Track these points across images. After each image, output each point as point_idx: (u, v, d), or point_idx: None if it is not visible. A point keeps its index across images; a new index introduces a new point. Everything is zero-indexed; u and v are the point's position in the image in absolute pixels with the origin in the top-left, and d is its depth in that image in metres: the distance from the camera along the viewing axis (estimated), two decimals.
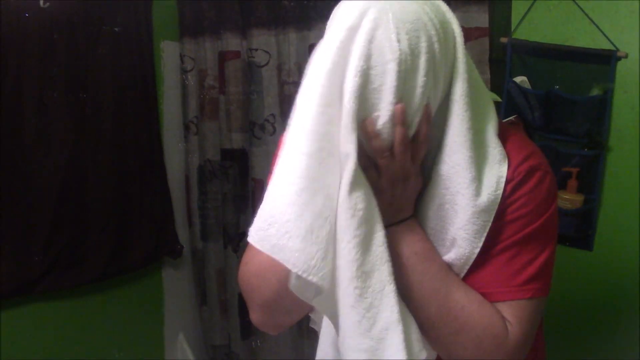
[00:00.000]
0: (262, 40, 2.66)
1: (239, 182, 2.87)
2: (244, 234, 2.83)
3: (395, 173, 0.92)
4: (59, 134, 2.40)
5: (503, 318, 0.93)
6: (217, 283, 3.00)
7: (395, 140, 0.88)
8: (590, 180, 2.07)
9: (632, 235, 2.07)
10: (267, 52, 2.65)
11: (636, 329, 2.08)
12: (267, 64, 2.66)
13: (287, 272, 0.92)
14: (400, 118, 0.86)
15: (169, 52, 2.91)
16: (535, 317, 0.97)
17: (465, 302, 0.93)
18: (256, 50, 2.68)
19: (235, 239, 2.89)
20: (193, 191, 3.02)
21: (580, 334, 2.21)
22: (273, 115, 2.68)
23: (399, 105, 0.86)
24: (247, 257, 1.15)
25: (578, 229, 2.11)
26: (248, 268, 1.12)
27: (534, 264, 0.95)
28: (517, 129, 1.09)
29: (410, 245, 0.95)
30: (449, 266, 0.96)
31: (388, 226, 0.94)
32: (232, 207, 2.90)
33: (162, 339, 2.97)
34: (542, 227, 0.96)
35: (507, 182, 0.95)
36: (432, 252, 0.96)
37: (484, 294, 0.95)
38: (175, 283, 3.04)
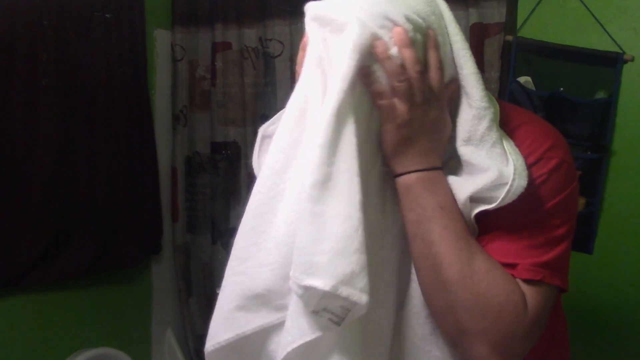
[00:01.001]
0: (277, 30, 2.65)
1: (230, 176, 2.85)
2: (234, 229, 2.82)
3: (415, 97, 0.86)
4: (48, 123, 2.35)
5: (522, 289, 0.88)
6: (204, 276, 2.98)
7: (405, 63, 0.85)
8: (592, 184, 2.08)
9: (633, 239, 2.08)
10: (281, 42, 2.64)
11: (636, 333, 2.10)
12: (280, 54, 2.65)
13: None
14: (403, 40, 0.84)
15: (162, 41, 2.88)
16: (548, 304, 0.92)
17: (489, 266, 0.87)
18: (270, 40, 2.66)
19: (225, 234, 2.87)
20: (180, 184, 3.00)
21: (579, 338, 2.23)
22: None
23: (398, 28, 0.83)
24: None
25: (578, 232, 2.12)
26: None
27: (551, 251, 0.91)
28: (537, 118, 1.04)
29: (438, 197, 0.88)
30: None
31: (415, 171, 0.89)
32: (221, 201, 2.88)
33: (149, 334, 2.95)
34: (557, 207, 0.92)
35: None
36: (458, 209, 0.89)
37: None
38: (164, 278, 3.01)
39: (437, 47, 0.88)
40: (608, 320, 2.17)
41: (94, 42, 2.50)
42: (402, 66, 0.85)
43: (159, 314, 2.99)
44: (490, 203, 0.87)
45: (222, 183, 2.87)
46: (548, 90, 2.09)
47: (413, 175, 0.89)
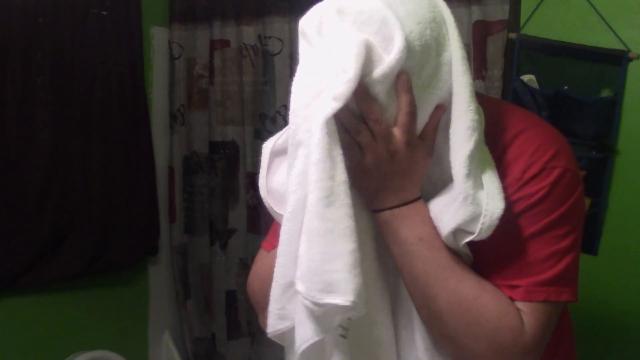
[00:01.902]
0: (276, 27, 2.65)
1: (229, 176, 2.85)
2: (234, 230, 2.82)
3: (378, 149, 0.87)
4: (43, 122, 2.35)
5: (518, 309, 0.88)
6: (202, 278, 2.98)
7: (365, 117, 0.86)
8: (597, 184, 2.07)
9: (639, 240, 2.08)
10: (280, 39, 2.64)
11: None
12: (279, 52, 2.65)
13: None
14: (362, 93, 0.84)
15: (159, 39, 2.88)
16: (552, 320, 0.92)
17: (478, 292, 0.87)
18: (269, 37, 2.66)
19: (224, 235, 2.87)
20: (177, 184, 3.00)
21: (584, 340, 2.22)
22: (285, 106, 2.65)
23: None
24: (256, 259, 1.19)
25: (583, 233, 2.11)
26: (254, 271, 1.16)
27: (557, 264, 0.90)
28: (539, 122, 1.03)
29: (415, 230, 0.90)
30: (458, 255, 0.91)
31: (388, 208, 0.91)
32: (220, 202, 2.88)
33: (146, 336, 2.94)
34: (561, 218, 0.91)
35: (517, 181, 0.91)
36: (439, 238, 0.90)
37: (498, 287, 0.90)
38: (161, 279, 3.01)
39: (409, 90, 0.86)
40: (613, 322, 2.16)
41: (90, 39, 2.49)
42: (363, 118, 0.86)
43: (156, 317, 2.98)
44: (472, 233, 0.87)
45: (220, 183, 2.87)
46: (552, 89, 2.08)
47: (387, 213, 0.91)
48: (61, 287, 2.52)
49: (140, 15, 2.70)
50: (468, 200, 0.85)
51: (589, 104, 2.03)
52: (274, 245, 1.07)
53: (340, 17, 0.86)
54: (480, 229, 0.85)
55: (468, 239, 0.87)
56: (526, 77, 2.12)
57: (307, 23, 0.91)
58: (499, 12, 2.14)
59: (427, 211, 0.92)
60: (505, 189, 0.89)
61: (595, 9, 2.04)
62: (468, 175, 0.85)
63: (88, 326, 2.66)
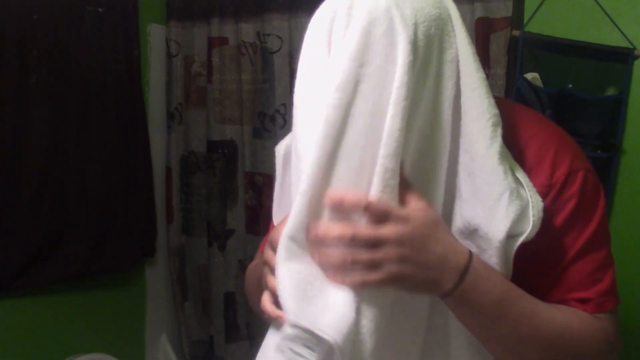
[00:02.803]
0: (276, 25, 2.65)
1: (227, 175, 2.85)
2: (232, 231, 2.82)
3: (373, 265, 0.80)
4: (39, 121, 2.35)
5: (599, 320, 0.91)
6: (200, 279, 2.98)
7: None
8: (602, 183, 2.07)
9: None
10: (279, 37, 2.64)
11: None
12: (279, 50, 2.65)
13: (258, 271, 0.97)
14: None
15: (156, 36, 2.88)
16: (619, 322, 0.96)
17: (566, 323, 0.89)
18: (269, 35, 2.66)
19: (222, 236, 2.87)
20: (175, 184, 3.00)
21: None
22: (284, 105, 2.65)
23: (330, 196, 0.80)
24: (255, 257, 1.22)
25: None
26: (250, 267, 1.18)
27: (608, 270, 0.93)
28: (548, 123, 1.03)
29: (490, 295, 0.84)
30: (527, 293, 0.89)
31: (450, 291, 0.83)
32: (218, 202, 2.88)
33: (143, 339, 2.94)
34: (600, 226, 0.93)
35: (548, 187, 0.91)
36: (514, 285, 0.87)
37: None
38: (159, 281, 3.01)
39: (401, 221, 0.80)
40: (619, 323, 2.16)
41: (86, 37, 2.49)
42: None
43: (153, 319, 2.98)
44: (522, 232, 0.85)
45: (218, 183, 2.87)
46: (556, 87, 2.08)
47: (452, 297, 0.84)
48: (57, 289, 2.52)
49: (137, 13, 2.70)
50: (514, 195, 0.84)
51: (593, 103, 2.03)
52: None
53: (348, 19, 0.84)
54: (533, 223, 0.84)
55: (521, 239, 0.85)
56: (530, 76, 2.12)
57: (319, 23, 0.88)
58: (502, 9, 2.15)
59: (487, 264, 0.86)
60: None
61: (601, 6, 2.04)
62: (505, 171, 0.84)
63: (84, 329, 2.66)
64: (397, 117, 0.78)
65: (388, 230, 0.79)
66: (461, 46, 0.88)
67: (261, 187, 2.75)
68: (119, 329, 2.82)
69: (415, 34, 0.82)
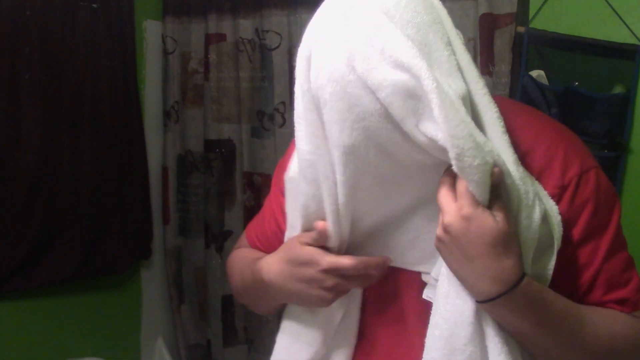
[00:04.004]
0: (274, 21, 2.64)
1: (225, 175, 2.85)
2: (229, 233, 2.82)
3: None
4: (31, 120, 2.35)
5: (634, 317, 0.94)
6: (197, 282, 2.98)
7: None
8: None
9: None
10: (278, 34, 2.63)
11: None
12: (278, 46, 2.64)
13: (247, 274, 1.06)
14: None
15: (152, 33, 2.88)
16: None
17: (610, 330, 0.90)
18: (267, 31, 2.66)
19: (220, 238, 2.87)
20: (171, 184, 3.00)
21: None
22: (283, 103, 2.65)
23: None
24: (237, 252, 1.28)
25: None
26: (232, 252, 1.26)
27: (633, 266, 0.95)
28: (555, 125, 1.03)
29: (522, 321, 0.84)
30: (569, 304, 0.89)
31: (486, 301, 0.83)
32: (216, 202, 2.88)
33: (138, 343, 2.94)
34: (619, 224, 0.94)
35: (561, 189, 0.91)
36: (557, 313, 0.86)
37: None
38: (154, 284, 3.01)
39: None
40: None
41: (80, 33, 2.49)
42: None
43: (149, 322, 2.98)
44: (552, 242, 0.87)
45: (216, 183, 2.87)
46: (562, 85, 2.07)
47: (485, 305, 0.85)
48: (50, 291, 2.52)
49: (133, 9, 2.70)
50: (537, 199, 0.84)
51: (600, 101, 2.03)
52: (259, 240, 1.17)
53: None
54: (558, 233, 0.86)
55: (555, 249, 0.87)
56: (535, 73, 2.12)
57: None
58: (507, 4, 2.14)
59: (540, 290, 0.85)
60: (550, 197, 0.90)
61: (607, 2, 2.04)
62: (522, 177, 0.84)
63: (78, 333, 2.66)
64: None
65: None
66: (460, 54, 0.87)
67: (260, 187, 2.75)
68: (114, 332, 2.82)
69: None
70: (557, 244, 0.86)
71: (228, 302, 2.89)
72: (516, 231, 0.82)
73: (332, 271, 0.91)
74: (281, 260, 0.98)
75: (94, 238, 2.58)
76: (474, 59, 2.19)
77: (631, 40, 2.02)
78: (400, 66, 0.76)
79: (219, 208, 2.88)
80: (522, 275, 0.81)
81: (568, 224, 0.89)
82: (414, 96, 0.76)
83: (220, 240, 2.87)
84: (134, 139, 2.74)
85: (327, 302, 0.95)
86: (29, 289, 2.42)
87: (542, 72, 2.12)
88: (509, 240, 0.80)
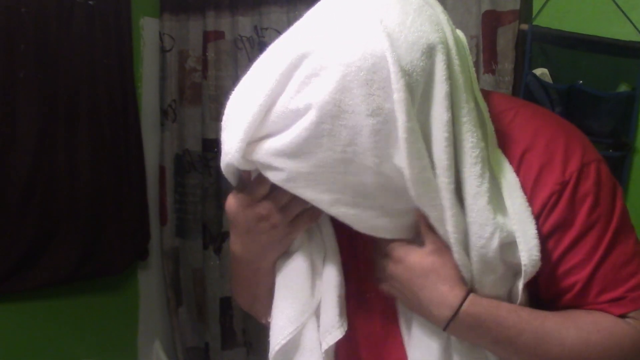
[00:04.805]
0: (274, 18, 2.64)
1: (223, 175, 2.83)
2: (228, 234, 2.81)
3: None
4: (26, 119, 2.35)
5: (625, 322, 0.91)
6: (194, 283, 2.98)
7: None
8: None
9: None
10: (278, 31, 2.63)
11: None
12: None
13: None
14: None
15: (149, 30, 2.88)
16: None
17: (584, 337, 0.90)
18: (267, 29, 2.66)
19: (218, 239, 2.87)
20: (168, 184, 2.99)
21: None
22: None
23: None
24: None
25: None
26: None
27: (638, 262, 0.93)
28: (554, 119, 1.03)
29: (479, 339, 0.91)
30: (530, 316, 0.91)
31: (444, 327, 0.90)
32: (214, 203, 2.88)
33: (135, 346, 2.94)
34: (622, 217, 0.93)
35: (562, 184, 0.90)
36: (515, 326, 0.89)
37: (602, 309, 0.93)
38: (152, 285, 3.01)
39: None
40: None
41: (76, 31, 2.49)
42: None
43: (146, 325, 2.98)
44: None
45: (214, 183, 2.87)
46: (566, 83, 2.07)
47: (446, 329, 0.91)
48: (45, 294, 2.52)
49: (129, 5, 2.70)
50: (497, 231, 0.86)
51: (605, 100, 2.03)
52: None
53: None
54: (529, 257, 0.86)
55: (522, 280, 0.88)
56: (539, 71, 2.11)
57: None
58: (510, 1, 2.15)
59: (486, 307, 0.89)
60: (550, 195, 0.90)
61: None
62: (495, 210, 0.87)
63: (74, 335, 2.66)
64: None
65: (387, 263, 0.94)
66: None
67: None
68: (111, 335, 2.82)
69: (410, 68, 0.81)
70: (524, 269, 0.87)
71: (226, 304, 2.89)
72: (449, 258, 0.88)
73: (269, 201, 0.95)
74: (233, 226, 1.03)
75: (90, 239, 2.58)
76: (477, 57, 2.20)
77: (636, 38, 2.02)
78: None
79: (217, 208, 2.87)
80: (465, 296, 0.88)
81: (567, 219, 0.89)
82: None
83: (218, 241, 2.87)
84: (131, 138, 2.74)
85: (284, 233, 0.98)
86: (24, 290, 2.42)
87: (545, 71, 2.12)
88: (440, 268, 0.89)
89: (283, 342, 0.98)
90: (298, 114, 0.83)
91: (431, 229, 0.88)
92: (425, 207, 0.85)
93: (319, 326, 0.99)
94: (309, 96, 0.81)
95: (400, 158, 0.80)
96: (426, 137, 0.83)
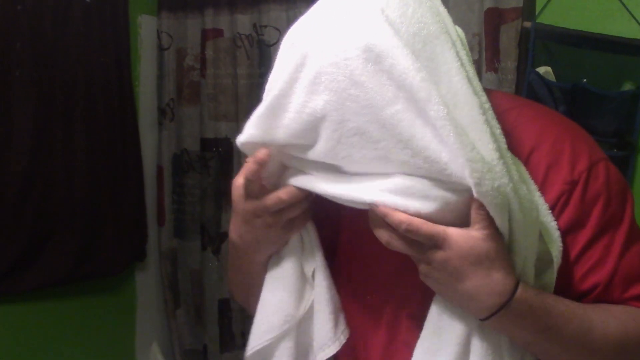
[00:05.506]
0: (273, 16, 2.65)
1: (222, 175, 2.85)
2: (226, 234, 2.81)
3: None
4: (22, 118, 2.34)
5: None
6: (192, 285, 2.98)
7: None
8: None
9: None
10: (277, 29, 2.63)
11: None
12: (277, 42, 2.65)
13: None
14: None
15: (146, 28, 2.88)
16: None
17: (622, 329, 0.90)
18: (266, 27, 2.66)
19: (216, 240, 2.87)
20: (166, 184, 2.99)
21: None
22: None
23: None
24: None
25: None
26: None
27: None
28: (559, 118, 1.03)
29: (525, 329, 0.86)
30: (573, 305, 0.90)
31: (486, 318, 0.86)
32: (212, 203, 2.88)
33: (133, 348, 2.94)
34: (632, 215, 0.93)
35: (571, 184, 0.90)
36: (560, 316, 0.87)
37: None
38: (149, 287, 3.01)
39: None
40: None
41: (73, 29, 2.49)
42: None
43: (144, 327, 2.98)
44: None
45: (212, 183, 2.87)
46: (570, 82, 2.07)
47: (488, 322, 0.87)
48: (42, 295, 2.51)
49: (127, 3, 2.70)
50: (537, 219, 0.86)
51: (609, 98, 2.03)
52: None
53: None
54: (556, 250, 0.87)
55: (555, 271, 0.88)
56: (542, 69, 2.11)
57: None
58: None
59: (536, 297, 0.86)
60: (559, 195, 0.90)
61: None
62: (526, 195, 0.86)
63: (70, 337, 2.65)
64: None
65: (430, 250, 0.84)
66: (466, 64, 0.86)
67: None
68: (108, 337, 2.82)
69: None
70: (556, 261, 0.86)
71: (225, 306, 2.89)
72: (503, 244, 0.84)
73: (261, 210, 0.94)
74: (233, 210, 1.01)
75: (87, 240, 2.58)
76: (479, 55, 2.20)
77: None
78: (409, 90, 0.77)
79: (215, 209, 2.88)
80: (517, 284, 0.83)
81: (580, 220, 0.89)
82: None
83: (217, 242, 2.87)
84: (128, 137, 2.74)
85: (277, 235, 0.97)
86: (21, 292, 2.42)
87: (549, 69, 2.12)
88: (494, 254, 0.82)
89: (258, 347, 0.99)
90: (316, 117, 0.83)
91: (486, 213, 0.82)
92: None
93: (307, 340, 1.00)
94: (322, 96, 0.81)
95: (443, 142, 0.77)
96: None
